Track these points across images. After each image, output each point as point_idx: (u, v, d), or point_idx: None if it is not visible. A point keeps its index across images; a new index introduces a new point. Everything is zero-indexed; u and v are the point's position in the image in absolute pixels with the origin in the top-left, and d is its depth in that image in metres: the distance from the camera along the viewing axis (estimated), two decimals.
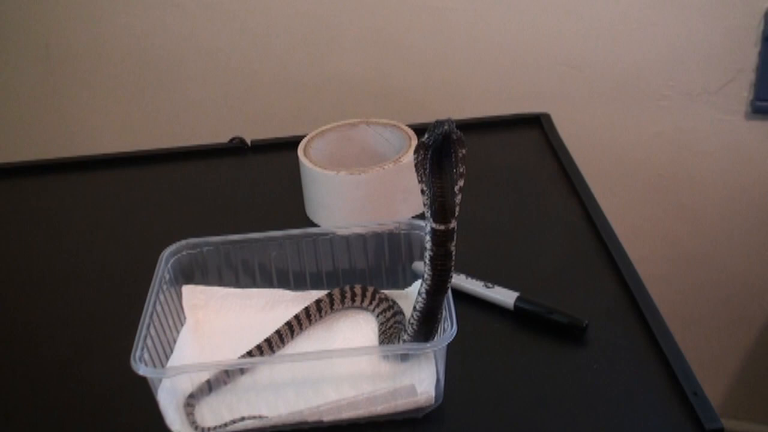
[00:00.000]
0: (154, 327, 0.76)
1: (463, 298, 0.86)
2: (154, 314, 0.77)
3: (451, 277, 0.72)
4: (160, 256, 0.83)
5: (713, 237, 1.46)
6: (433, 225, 0.70)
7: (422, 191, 0.71)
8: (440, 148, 0.69)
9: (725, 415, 1.60)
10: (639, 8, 1.32)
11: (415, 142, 1.02)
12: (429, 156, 0.70)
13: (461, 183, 0.71)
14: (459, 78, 1.39)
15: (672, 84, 1.36)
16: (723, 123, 1.37)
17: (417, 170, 0.71)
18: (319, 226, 1.01)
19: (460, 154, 0.70)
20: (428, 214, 0.70)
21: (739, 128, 1.36)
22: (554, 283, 0.89)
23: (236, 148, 1.21)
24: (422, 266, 0.87)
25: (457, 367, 0.75)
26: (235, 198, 1.12)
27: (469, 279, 0.86)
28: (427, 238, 0.71)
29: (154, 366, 0.75)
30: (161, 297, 0.80)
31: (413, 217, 0.99)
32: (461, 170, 0.71)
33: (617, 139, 1.42)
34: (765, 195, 1.40)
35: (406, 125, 1.07)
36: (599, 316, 0.83)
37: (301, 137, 1.08)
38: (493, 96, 1.39)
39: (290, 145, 1.11)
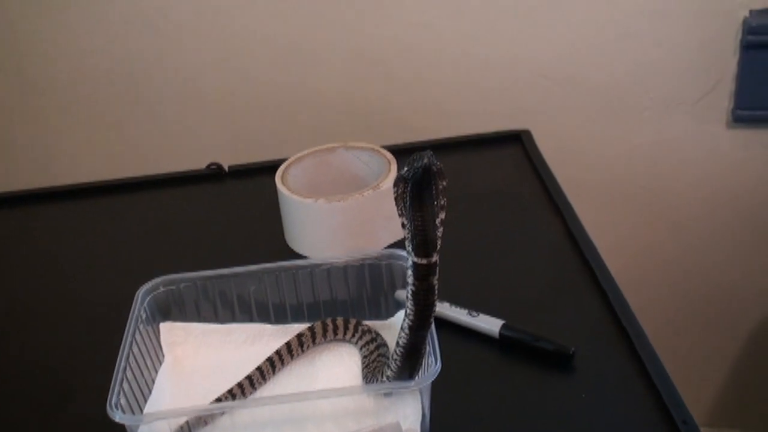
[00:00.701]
0: (131, 369, 0.74)
1: (447, 326, 0.84)
2: (131, 356, 0.75)
3: (434, 311, 0.70)
4: (136, 295, 0.81)
5: (696, 247, 1.45)
6: (415, 259, 0.68)
7: (403, 225, 0.69)
8: (420, 181, 0.67)
9: (713, 424, 1.60)
10: (617, 20, 1.31)
11: (394, 166, 1.00)
12: (409, 189, 0.68)
13: (442, 216, 0.69)
14: (439, 95, 1.38)
15: (652, 95, 1.35)
16: (704, 133, 1.36)
17: (397, 204, 0.69)
18: (299, 254, 0.99)
19: (441, 186, 0.69)
20: (409, 249, 0.69)
21: (721, 137, 1.35)
22: (539, 309, 0.87)
23: (214, 174, 1.19)
24: (403, 293, 0.86)
25: (442, 400, 0.73)
26: (214, 226, 1.10)
27: (453, 307, 0.85)
28: (409, 272, 0.69)
29: (132, 410, 0.72)
30: (137, 337, 0.77)
31: (394, 244, 0.98)
32: (442, 202, 0.69)
33: (598, 152, 1.41)
34: (747, 204, 1.39)
35: (386, 145, 1.06)
36: (586, 342, 0.81)
37: (281, 161, 1.06)
38: (473, 112, 1.37)
39: (269, 169, 1.09)
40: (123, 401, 0.70)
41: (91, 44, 1.38)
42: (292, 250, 1.01)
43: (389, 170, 0.99)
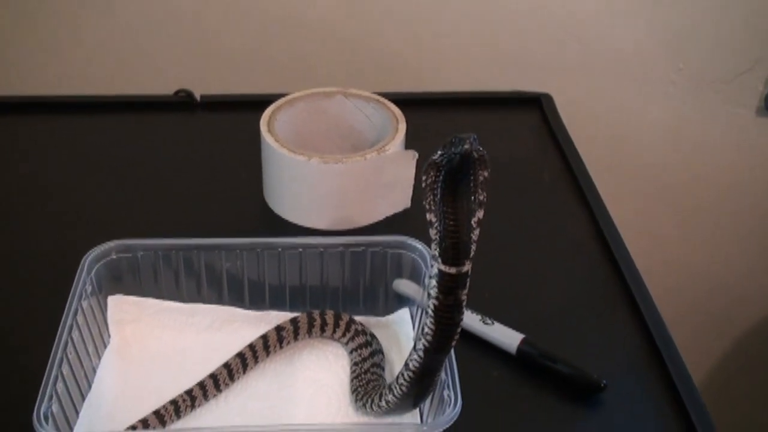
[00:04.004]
0: (68, 363, 0.59)
1: None
2: (69, 344, 0.59)
3: (459, 333, 0.56)
4: (81, 263, 0.65)
5: (703, 238, 1.34)
6: (442, 267, 0.54)
7: (430, 222, 0.55)
8: (456, 171, 0.53)
9: None
10: None
11: (402, 125, 0.85)
12: (441, 180, 0.54)
13: (480, 214, 0.55)
14: (451, 40, 1.19)
15: (681, 68, 1.21)
16: (731, 116, 1.23)
17: (424, 196, 0.55)
18: (278, 216, 0.84)
19: (481, 178, 0.55)
20: (436, 253, 0.55)
21: (749, 124, 1.23)
22: (562, 320, 0.74)
23: (182, 103, 1.02)
24: (406, 285, 0.73)
25: None
26: (179, 165, 0.94)
27: (465, 311, 0.71)
28: (433, 282, 0.55)
29: (65, 414, 0.58)
30: (79, 319, 0.62)
31: (392, 217, 0.84)
32: (481, 197, 0.55)
33: (612, 121, 1.26)
34: (764, 200, 1.28)
35: (386, 92, 0.91)
36: (616, 366, 0.70)
37: (261, 97, 0.91)
38: (486, 63, 1.20)
39: (247, 105, 0.94)
40: (55, 407, 0.55)
41: None
42: (270, 209, 0.86)
43: (396, 129, 0.84)
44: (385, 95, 0.90)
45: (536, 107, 1.04)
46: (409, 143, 0.85)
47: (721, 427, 0.67)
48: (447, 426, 0.55)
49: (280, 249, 0.69)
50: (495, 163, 0.97)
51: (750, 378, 1.46)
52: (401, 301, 0.72)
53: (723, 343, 1.43)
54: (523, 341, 0.69)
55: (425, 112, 0.97)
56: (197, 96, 1.02)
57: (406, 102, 0.90)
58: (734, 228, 1.32)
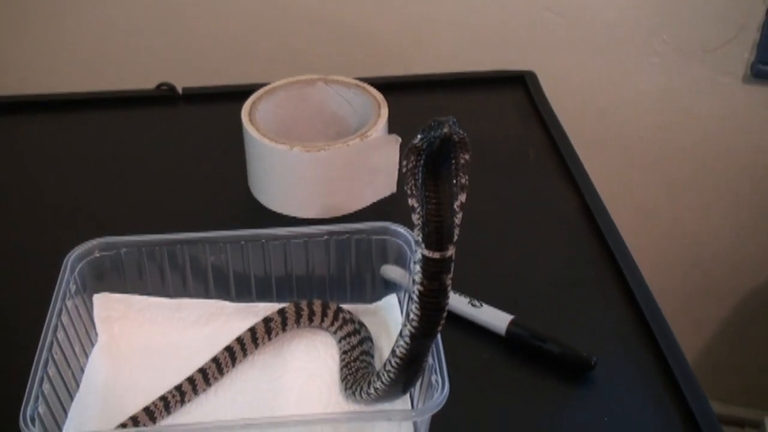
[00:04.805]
0: (54, 363, 0.59)
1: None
2: (54, 345, 0.59)
3: (444, 318, 0.56)
4: (64, 262, 0.65)
5: (691, 209, 1.34)
6: (425, 252, 0.54)
7: (412, 207, 0.55)
8: (437, 154, 0.53)
9: None
10: None
11: (384, 110, 0.84)
12: (422, 164, 0.53)
13: (462, 198, 0.55)
14: (431, 21, 1.19)
15: (666, 39, 1.20)
16: (718, 85, 1.22)
17: (405, 181, 0.55)
18: (263, 206, 0.84)
19: (462, 161, 0.55)
20: (419, 238, 0.54)
21: (736, 92, 1.22)
22: (551, 297, 0.74)
23: (164, 97, 1.01)
24: (393, 270, 0.73)
25: None
26: (163, 159, 0.93)
27: (454, 294, 0.71)
28: (417, 267, 0.55)
29: (54, 415, 0.58)
30: (64, 319, 0.62)
31: (378, 203, 0.83)
32: (463, 181, 0.55)
33: (598, 95, 1.26)
34: (755, 167, 1.27)
35: (367, 78, 0.90)
36: (606, 343, 0.69)
37: (243, 87, 0.91)
38: (468, 43, 1.20)
39: (229, 96, 0.94)
40: (42, 409, 0.55)
41: None
42: (256, 199, 0.85)
43: (378, 114, 0.84)
44: (367, 80, 0.90)
45: (520, 85, 1.03)
46: (392, 128, 0.84)
47: (713, 398, 0.67)
48: (435, 411, 0.55)
49: (263, 240, 0.68)
50: (480, 143, 0.96)
51: (740, 348, 1.46)
52: (388, 287, 0.72)
53: (713, 314, 1.43)
54: (512, 322, 0.69)
55: (408, 95, 0.97)
56: (179, 89, 1.01)
57: (388, 86, 0.90)
58: (723, 198, 1.31)
